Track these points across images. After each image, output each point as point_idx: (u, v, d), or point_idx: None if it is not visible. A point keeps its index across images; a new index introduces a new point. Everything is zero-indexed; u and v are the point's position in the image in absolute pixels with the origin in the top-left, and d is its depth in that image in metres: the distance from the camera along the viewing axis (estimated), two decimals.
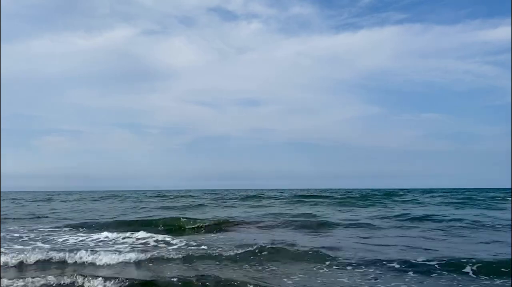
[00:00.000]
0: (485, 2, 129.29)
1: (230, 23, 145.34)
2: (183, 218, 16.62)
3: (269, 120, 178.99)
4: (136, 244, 10.65)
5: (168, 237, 11.46)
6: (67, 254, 8.83)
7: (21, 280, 6.75)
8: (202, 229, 14.98)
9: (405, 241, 11.14)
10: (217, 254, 8.99)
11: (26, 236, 12.15)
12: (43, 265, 8.44)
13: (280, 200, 36.13)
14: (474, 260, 7.81)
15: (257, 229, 14.60)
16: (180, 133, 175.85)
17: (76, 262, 8.52)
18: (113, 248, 9.90)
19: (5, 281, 6.69)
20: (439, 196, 42.51)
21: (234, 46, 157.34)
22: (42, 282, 6.68)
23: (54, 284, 6.66)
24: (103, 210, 26.41)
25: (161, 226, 15.19)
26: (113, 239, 11.42)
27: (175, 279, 6.75)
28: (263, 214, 20.54)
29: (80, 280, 6.70)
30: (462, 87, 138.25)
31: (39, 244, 10.81)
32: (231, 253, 9.01)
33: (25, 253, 8.86)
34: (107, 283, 6.49)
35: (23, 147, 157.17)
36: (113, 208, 27.87)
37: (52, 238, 11.85)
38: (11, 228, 14.47)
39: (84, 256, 8.69)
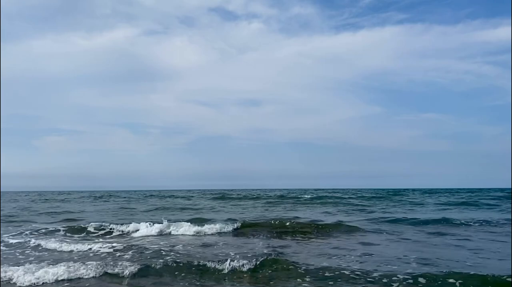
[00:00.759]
0: (485, 2, 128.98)
1: (231, 23, 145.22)
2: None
3: (269, 120, 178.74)
4: None
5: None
6: None
7: None
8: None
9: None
10: None
11: None
12: None
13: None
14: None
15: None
16: (181, 133, 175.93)
17: None
18: None
19: None
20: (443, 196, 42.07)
21: (235, 46, 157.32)
22: None
23: None
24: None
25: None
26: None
27: None
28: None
29: None
30: (463, 87, 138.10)
31: None
32: None
33: None
34: None
35: (23, 147, 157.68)
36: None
37: None
38: None
39: None
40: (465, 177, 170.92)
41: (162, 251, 9.25)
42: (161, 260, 8.02)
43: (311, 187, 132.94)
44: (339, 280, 6.69)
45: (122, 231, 13.63)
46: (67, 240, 11.23)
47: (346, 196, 42.55)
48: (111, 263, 7.88)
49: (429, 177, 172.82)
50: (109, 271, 7.32)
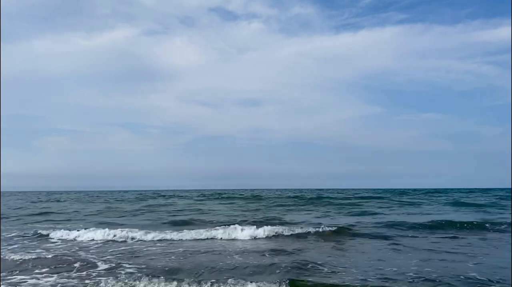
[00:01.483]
0: (485, 2, 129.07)
1: (231, 23, 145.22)
2: None
3: (270, 120, 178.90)
4: None
5: None
6: None
7: None
8: None
9: None
10: None
11: None
12: None
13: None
14: None
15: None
16: (181, 133, 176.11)
17: None
18: None
19: None
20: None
21: (235, 46, 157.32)
22: None
23: None
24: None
25: None
26: None
27: None
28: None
29: None
30: (463, 87, 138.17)
31: None
32: None
33: None
34: None
35: (23, 147, 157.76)
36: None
37: None
38: None
39: None
40: (465, 177, 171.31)
41: None
42: None
43: (311, 187, 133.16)
44: None
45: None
46: None
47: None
48: None
49: (429, 177, 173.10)
50: None
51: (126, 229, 12.75)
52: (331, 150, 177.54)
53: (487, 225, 14.18)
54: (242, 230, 12.44)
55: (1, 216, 19.33)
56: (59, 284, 6.68)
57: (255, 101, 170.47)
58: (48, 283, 6.75)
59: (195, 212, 22.55)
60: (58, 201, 40.60)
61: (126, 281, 6.63)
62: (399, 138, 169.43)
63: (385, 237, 11.78)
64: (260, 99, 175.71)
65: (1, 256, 8.83)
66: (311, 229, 12.56)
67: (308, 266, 7.63)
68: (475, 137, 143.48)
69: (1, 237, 12.13)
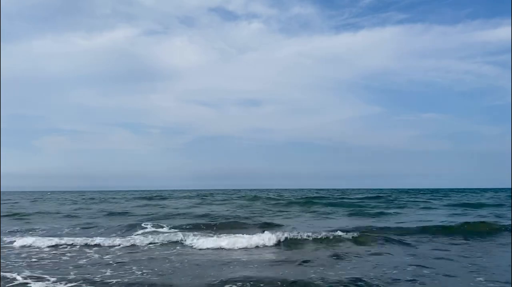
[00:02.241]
0: (485, 2, 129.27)
1: (231, 23, 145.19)
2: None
3: (269, 120, 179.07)
4: None
5: None
6: None
7: None
8: None
9: None
10: None
11: None
12: None
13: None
14: None
15: None
16: (181, 133, 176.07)
17: None
18: None
19: None
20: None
21: (235, 46, 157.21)
22: None
23: None
24: None
25: None
26: None
27: None
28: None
29: None
30: (463, 87, 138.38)
31: None
32: None
33: None
34: None
35: (23, 147, 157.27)
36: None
37: None
38: None
39: None
40: (465, 177, 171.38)
41: None
42: None
43: (311, 187, 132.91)
44: None
45: None
46: None
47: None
48: None
49: (429, 177, 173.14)
50: None
51: None
52: (331, 150, 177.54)
53: None
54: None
55: (1, 216, 19.00)
56: None
57: (255, 101, 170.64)
58: None
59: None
60: (34, 201, 39.72)
61: None
62: (399, 138, 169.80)
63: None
64: (260, 99, 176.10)
65: None
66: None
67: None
68: (475, 137, 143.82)
69: None
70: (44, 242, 10.45)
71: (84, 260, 8.41)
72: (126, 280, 6.51)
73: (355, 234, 10.87)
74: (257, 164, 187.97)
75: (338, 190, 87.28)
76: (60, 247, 10.09)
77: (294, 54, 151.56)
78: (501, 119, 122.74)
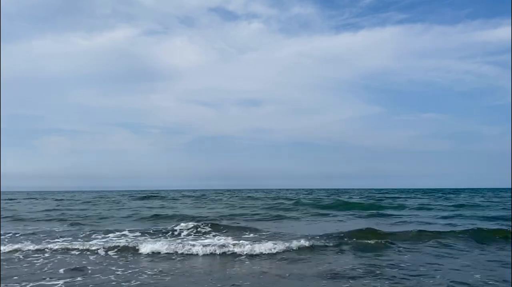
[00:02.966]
0: (485, 2, 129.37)
1: (231, 23, 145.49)
2: None
3: (269, 120, 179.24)
4: None
5: None
6: None
7: None
8: None
9: None
10: None
11: None
12: None
13: None
14: None
15: None
16: (181, 133, 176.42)
17: None
18: None
19: None
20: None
21: (235, 46, 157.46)
22: None
23: None
24: None
25: None
26: None
27: None
28: None
29: None
30: (463, 87, 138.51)
31: None
32: None
33: None
34: None
35: (23, 147, 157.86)
36: None
37: None
38: None
39: None
40: (465, 177, 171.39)
41: None
42: None
43: (310, 187, 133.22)
44: None
45: None
46: None
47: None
48: None
49: (429, 177, 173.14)
50: None
51: None
52: (331, 150, 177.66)
53: None
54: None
55: (0, 216, 19.39)
56: None
57: (255, 101, 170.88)
58: None
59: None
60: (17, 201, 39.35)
61: None
62: (399, 138, 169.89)
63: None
64: (260, 99, 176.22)
65: None
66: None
67: None
68: (475, 137, 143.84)
69: None
70: None
71: None
72: None
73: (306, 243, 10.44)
74: (257, 164, 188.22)
75: (337, 190, 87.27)
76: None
77: (294, 54, 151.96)
78: (501, 119, 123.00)
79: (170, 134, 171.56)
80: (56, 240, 11.36)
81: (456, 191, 69.60)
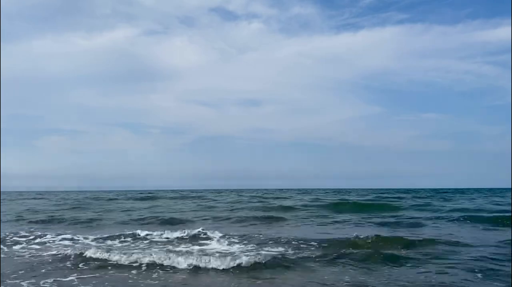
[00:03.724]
0: (485, 2, 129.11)
1: (231, 23, 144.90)
2: None
3: (269, 120, 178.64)
4: None
5: None
6: None
7: None
8: None
9: None
10: None
11: None
12: None
13: None
14: None
15: None
16: (181, 133, 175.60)
17: None
18: None
19: None
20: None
21: (235, 46, 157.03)
22: None
23: None
24: None
25: None
26: None
27: None
28: None
29: None
30: (463, 87, 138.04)
31: None
32: None
33: None
34: None
35: (23, 147, 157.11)
36: None
37: None
38: None
39: None
40: (465, 177, 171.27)
41: None
42: None
43: (310, 187, 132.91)
44: None
45: None
46: None
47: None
48: None
49: (429, 177, 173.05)
50: None
51: None
52: (331, 150, 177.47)
53: None
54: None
55: (0, 216, 19.10)
56: None
57: (255, 101, 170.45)
58: None
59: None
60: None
61: None
62: (399, 138, 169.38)
63: None
64: (260, 99, 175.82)
65: None
66: None
67: None
68: (475, 137, 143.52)
69: None
70: None
71: None
72: None
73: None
74: (257, 164, 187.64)
75: (337, 190, 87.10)
76: None
77: (294, 54, 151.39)
78: (501, 119, 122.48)
79: (170, 134, 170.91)
80: None
81: (459, 191, 69.27)
